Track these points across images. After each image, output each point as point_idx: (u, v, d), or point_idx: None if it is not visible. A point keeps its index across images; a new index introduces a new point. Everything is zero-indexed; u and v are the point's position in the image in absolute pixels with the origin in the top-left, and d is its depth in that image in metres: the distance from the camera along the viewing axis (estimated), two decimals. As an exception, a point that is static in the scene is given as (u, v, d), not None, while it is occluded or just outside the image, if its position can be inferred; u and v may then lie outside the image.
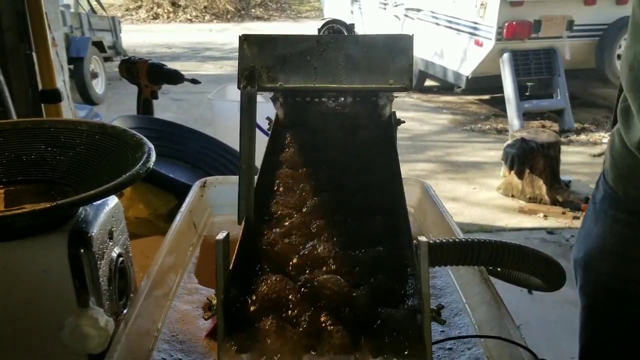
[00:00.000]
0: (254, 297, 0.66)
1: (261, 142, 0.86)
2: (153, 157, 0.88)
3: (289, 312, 0.64)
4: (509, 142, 4.49)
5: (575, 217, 4.00)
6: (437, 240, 0.75)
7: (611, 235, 1.09)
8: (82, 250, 0.79)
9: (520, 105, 5.91)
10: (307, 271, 0.70)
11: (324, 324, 0.63)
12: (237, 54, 0.80)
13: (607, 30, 6.23)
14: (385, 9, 7.92)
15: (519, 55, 6.06)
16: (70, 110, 3.07)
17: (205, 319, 0.69)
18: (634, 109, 0.95)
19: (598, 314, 1.16)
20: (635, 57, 0.92)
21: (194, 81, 2.25)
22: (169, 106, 6.58)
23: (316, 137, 0.96)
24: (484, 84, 6.60)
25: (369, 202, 0.81)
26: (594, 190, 1.17)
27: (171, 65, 2.27)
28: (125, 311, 0.90)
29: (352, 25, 1.04)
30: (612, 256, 1.09)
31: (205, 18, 15.88)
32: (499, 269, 0.95)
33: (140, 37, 12.38)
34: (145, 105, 2.20)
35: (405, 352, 0.61)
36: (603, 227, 1.11)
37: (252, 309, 0.65)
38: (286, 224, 0.78)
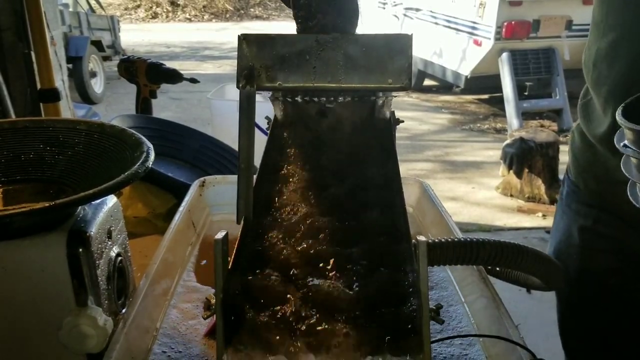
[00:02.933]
0: (252, 297, 0.66)
1: (260, 142, 0.86)
2: (152, 157, 0.88)
3: (288, 311, 0.64)
4: (507, 141, 4.50)
5: (574, 217, 4.00)
6: (436, 240, 0.75)
7: (575, 228, 1.12)
8: (80, 250, 0.78)
9: (519, 105, 5.92)
10: (306, 270, 0.70)
11: (322, 324, 0.63)
12: (236, 53, 0.80)
13: (606, 30, 6.23)
14: (384, 8, 7.92)
15: (518, 55, 6.06)
16: (69, 109, 3.07)
17: (204, 319, 0.69)
18: (598, 104, 0.99)
19: (572, 307, 1.18)
20: (597, 54, 0.99)
21: (193, 80, 2.24)
22: (167, 105, 6.58)
23: (315, 137, 0.96)
24: (483, 83, 6.60)
25: (368, 201, 0.81)
26: (561, 187, 1.21)
27: (170, 64, 2.26)
28: (124, 310, 0.90)
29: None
30: (577, 248, 1.12)
31: (204, 17, 15.88)
32: (498, 269, 0.95)
33: (139, 36, 12.37)
34: (144, 105, 2.20)
35: (405, 352, 0.61)
36: (568, 221, 1.14)
37: (251, 308, 0.65)
38: (285, 223, 0.78)
